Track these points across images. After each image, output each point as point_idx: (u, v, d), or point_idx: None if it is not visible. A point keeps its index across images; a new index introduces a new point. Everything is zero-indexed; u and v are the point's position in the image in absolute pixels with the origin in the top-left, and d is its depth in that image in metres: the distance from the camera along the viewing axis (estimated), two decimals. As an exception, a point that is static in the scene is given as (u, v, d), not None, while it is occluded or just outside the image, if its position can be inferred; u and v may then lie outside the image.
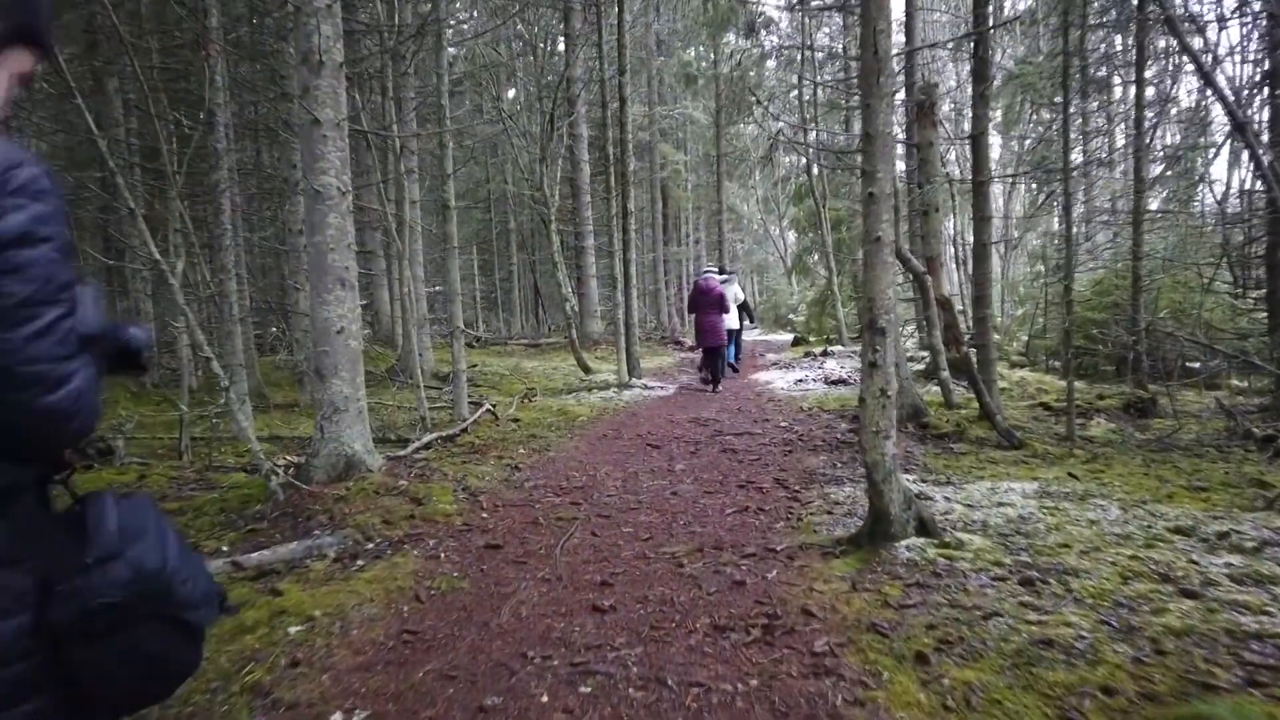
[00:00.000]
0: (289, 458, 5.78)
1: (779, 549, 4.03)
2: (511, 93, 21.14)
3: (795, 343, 18.60)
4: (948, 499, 4.80)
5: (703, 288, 11.93)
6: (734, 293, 13.19)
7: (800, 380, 12.07)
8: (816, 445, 6.87)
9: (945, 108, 16.10)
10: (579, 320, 18.22)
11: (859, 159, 4.37)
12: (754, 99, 15.37)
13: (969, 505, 4.64)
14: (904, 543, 3.80)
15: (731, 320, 12.80)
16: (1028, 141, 16.63)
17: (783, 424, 8.18)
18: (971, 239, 9.95)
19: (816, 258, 20.86)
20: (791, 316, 27.81)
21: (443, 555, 4.06)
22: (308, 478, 5.06)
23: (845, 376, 11.77)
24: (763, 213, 34.78)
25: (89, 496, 1.23)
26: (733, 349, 13.61)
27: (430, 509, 4.69)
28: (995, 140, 17.38)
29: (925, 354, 13.04)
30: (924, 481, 5.36)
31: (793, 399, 10.20)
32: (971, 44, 7.76)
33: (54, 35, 1.31)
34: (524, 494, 5.33)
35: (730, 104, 23.17)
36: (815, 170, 16.63)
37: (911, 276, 9.16)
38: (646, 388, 11.72)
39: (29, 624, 1.08)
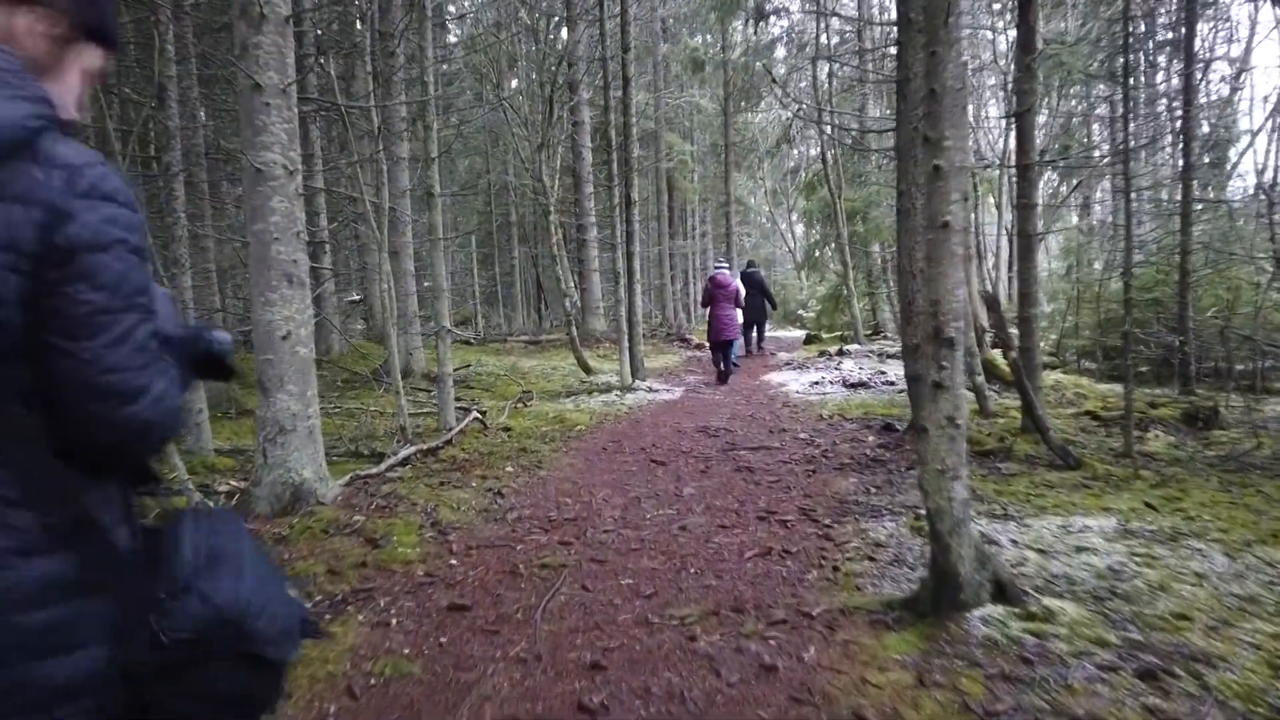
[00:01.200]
0: (233, 482, 4.98)
1: (815, 613, 3.22)
2: (515, 83, 20.31)
3: (808, 340, 17.75)
4: (1014, 542, 3.98)
5: (719, 282, 12.11)
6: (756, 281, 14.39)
7: (816, 383, 11.23)
8: (844, 464, 6.04)
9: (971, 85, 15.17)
10: (580, 317, 17.41)
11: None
12: (771, 79, 14.43)
13: (1042, 551, 3.82)
14: (978, 613, 2.98)
15: (752, 310, 14.09)
16: (1060, 121, 15.74)
17: (802, 435, 7.36)
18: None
19: (831, 251, 19.97)
20: (801, 312, 26.95)
21: (394, 621, 3.25)
22: (249, 510, 4.27)
23: (865, 379, 10.93)
24: (771, 205, 33.89)
25: (166, 518, 1.16)
26: (755, 333, 15.58)
27: (388, 553, 3.88)
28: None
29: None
30: (977, 514, 4.54)
31: (810, 404, 9.37)
32: (1016, 9, 6.91)
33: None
34: (505, 529, 4.53)
35: (739, 91, 22.28)
36: (830, 159, 15.71)
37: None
38: (651, 390, 10.90)
39: (107, 657, 1.03)
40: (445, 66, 25.42)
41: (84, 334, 1.01)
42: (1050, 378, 10.74)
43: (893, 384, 10.63)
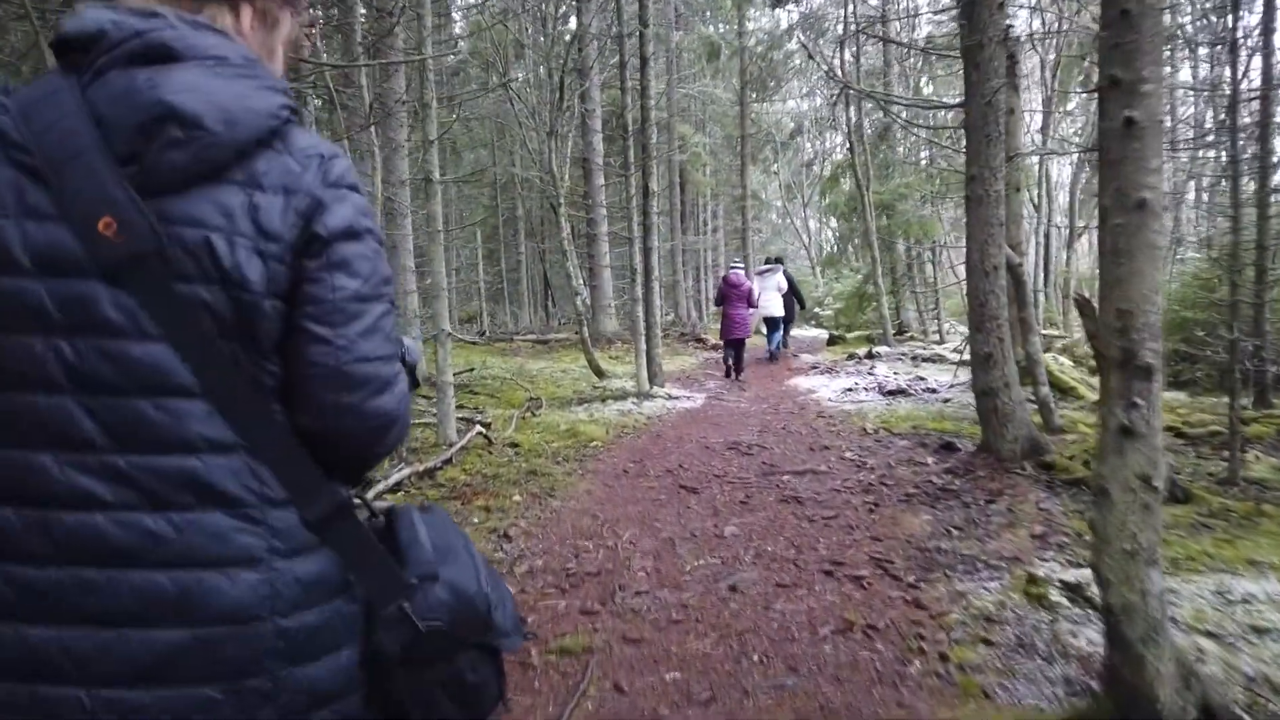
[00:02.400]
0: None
1: (938, 740, 2.35)
2: (521, 75, 19.45)
3: (831, 341, 16.85)
4: (1172, 620, 3.09)
5: (731, 282, 12.36)
6: (778, 282, 13.80)
7: (849, 389, 10.35)
8: (909, 494, 5.17)
9: (1031, 62, 14.22)
10: (591, 316, 16.55)
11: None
12: (808, 54, 13.51)
13: (1214, 636, 2.94)
14: (1187, 757, 2.10)
15: (775, 307, 13.71)
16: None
17: (849, 455, 6.48)
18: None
19: (854, 246, 19.05)
20: (818, 310, 26.03)
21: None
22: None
23: (904, 385, 10.03)
24: (785, 199, 32.95)
25: (394, 510, 1.13)
26: (779, 334, 14.45)
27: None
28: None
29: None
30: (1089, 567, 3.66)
31: (847, 415, 8.49)
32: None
33: None
34: (513, 588, 3.66)
35: (756, 80, 21.36)
36: (858, 148, 14.77)
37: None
38: (670, 398, 10.03)
39: (359, 654, 1.01)
40: (450, 59, 24.59)
41: (341, 320, 0.99)
42: (1107, 385, 9.85)
43: (934, 391, 9.74)
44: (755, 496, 5.30)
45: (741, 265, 14.47)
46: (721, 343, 13.22)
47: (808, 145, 33.64)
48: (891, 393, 9.76)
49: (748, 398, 10.46)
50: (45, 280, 0.91)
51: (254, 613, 0.93)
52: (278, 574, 0.95)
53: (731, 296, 12.15)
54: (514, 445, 6.94)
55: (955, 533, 4.35)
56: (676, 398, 10.12)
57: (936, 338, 16.34)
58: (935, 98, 11.87)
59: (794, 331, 17.64)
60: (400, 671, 1.04)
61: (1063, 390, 9.06)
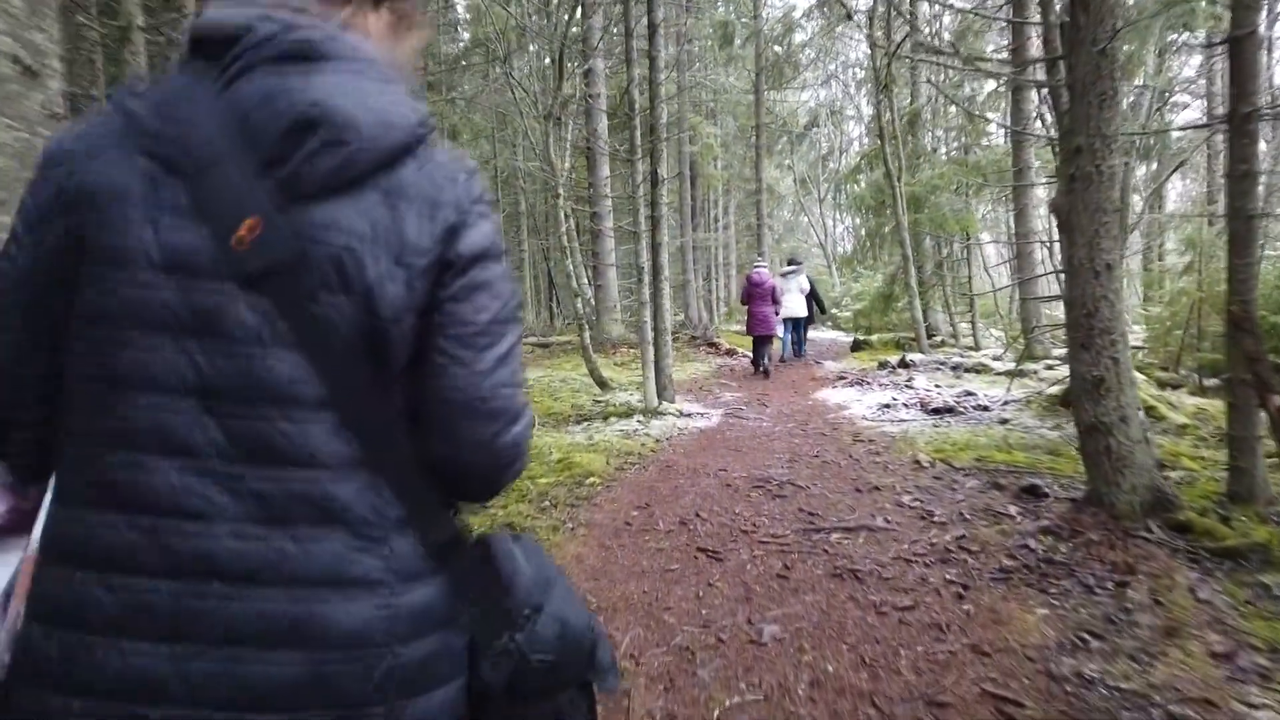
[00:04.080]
0: None
1: None
2: (522, 62, 18.16)
3: (855, 347, 15.52)
4: None
5: (755, 280, 12.77)
6: (800, 283, 13.92)
7: (886, 406, 9.05)
8: (1005, 567, 3.88)
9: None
10: (594, 318, 15.30)
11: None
12: (846, 13, 12.20)
13: None
14: None
15: (799, 308, 13.86)
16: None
17: (907, 500, 5.19)
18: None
19: (881, 243, 17.71)
20: (835, 311, 24.71)
21: None
22: None
23: (951, 402, 8.73)
24: (800, 195, 31.60)
25: (488, 538, 1.04)
26: (796, 334, 14.59)
27: None
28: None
29: (1040, 372, 9.99)
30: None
31: (891, 441, 7.20)
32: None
33: None
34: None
35: (772, 67, 20.05)
36: (888, 133, 13.43)
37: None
38: (682, 415, 8.76)
39: (464, 687, 0.98)
40: (454, 47, 23.38)
41: (482, 345, 0.95)
42: (1188, 402, 8.52)
43: (986, 409, 8.44)
44: (797, 567, 4.03)
45: (765, 264, 13.94)
46: (733, 348, 14.44)
47: (824, 138, 32.32)
48: (937, 411, 8.46)
49: (770, 414, 9.18)
50: (178, 279, 0.86)
51: (374, 640, 0.89)
52: (396, 600, 0.91)
53: (755, 295, 12.62)
54: (493, 482, 5.68)
55: (1093, 642, 3.07)
56: (689, 415, 8.85)
57: (970, 342, 15.02)
58: (987, 57, 10.66)
59: (812, 334, 17.23)
60: (503, 707, 0.99)
61: (1155, 417, 7.76)
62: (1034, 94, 10.36)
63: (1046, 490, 5.06)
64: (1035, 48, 9.79)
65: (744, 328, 13.55)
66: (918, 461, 6.24)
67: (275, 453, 0.87)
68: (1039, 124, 10.58)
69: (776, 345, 13.95)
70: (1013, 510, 4.82)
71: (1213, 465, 5.46)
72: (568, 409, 9.33)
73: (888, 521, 4.73)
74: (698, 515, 5.00)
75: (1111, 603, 3.42)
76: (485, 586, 0.98)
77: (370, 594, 0.89)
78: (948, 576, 3.81)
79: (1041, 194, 12.33)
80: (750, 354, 14.20)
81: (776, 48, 20.07)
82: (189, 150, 0.87)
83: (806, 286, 14.14)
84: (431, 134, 0.97)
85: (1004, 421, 7.70)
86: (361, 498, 0.90)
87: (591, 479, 5.90)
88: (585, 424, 8.38)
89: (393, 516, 0.91)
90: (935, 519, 4.74)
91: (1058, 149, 5.41)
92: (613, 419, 8.52)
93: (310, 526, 0.87)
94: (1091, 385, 4.37)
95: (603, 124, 15.85)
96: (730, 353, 15.56)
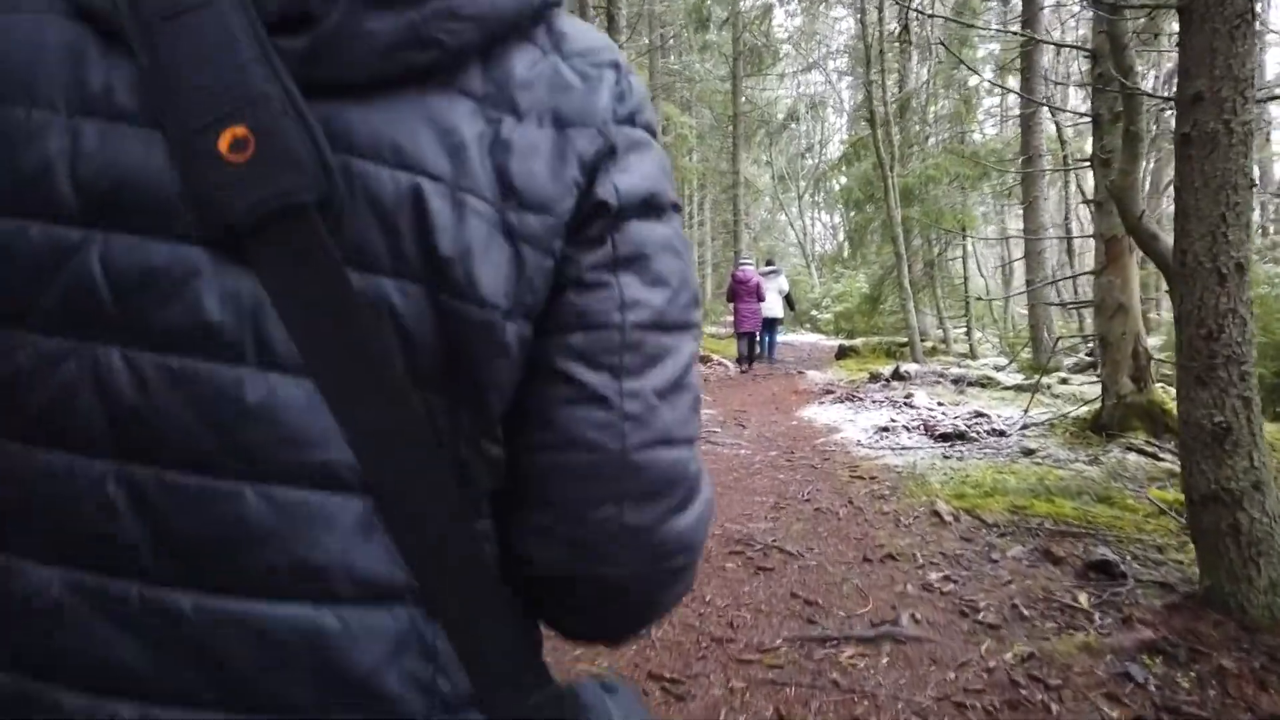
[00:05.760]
0: None
1: None
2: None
3: (841, 354, 14.25)
4: None
5: (740, 278, 12.95)
6: (779, 284, 14.05)
7: (884, 429, 7.75)
8: (1111, 726, 2.57)
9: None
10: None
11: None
12: None
13: None
14: None
15: (776, 308, 13.79)
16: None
17: (934, 577, 3.87)
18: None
19: (872, 236, 16.46)
20: (815, 313, 23.51)
21: None
22: None
23: (960, 426, 7.44)
24: (779, 192, 30.37)
25: (574, 691, 0.58)
26: (770, 337, 14.51)
27: None
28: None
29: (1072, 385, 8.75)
30: None
31: (898, 480, 5.89)
32: None
33: None
34: None
35: (750, 52, 18.75)
36: (880, 117, 12.12)
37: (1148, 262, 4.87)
38: (645, 440, 7.40)
39: None
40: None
41: (633, 365, 0.54)
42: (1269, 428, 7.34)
43: (1002, 435, 7.17)
44: (796, 713, 2.69)
45: (750, 261, 14.05)
46: (706, 354, 13.88)
47: (804, 134, 31.10)
48: (946, 437, 7.18)
49: (749, 438, 7.85)
50: (100, 233, 0.47)
51: None
52: None
53: (740, 292, 12.84)
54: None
55: None
56: (654, 440, 7.48)
57: (964, 349, 13.82)
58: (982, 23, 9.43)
59: (790, 337, 17.33)
60: None
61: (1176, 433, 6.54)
62: (1048, 62, 9.15)
63: (1123, 568, 3.76)
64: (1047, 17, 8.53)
65: (720, 330, 14.08)
66: (937, 513, 4.93)
67: (248, 568, 0.48)
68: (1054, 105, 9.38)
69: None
70: (1084, 601, 3.52)
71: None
72: (512, 431, 7.95)
73: (916, 621, 3.40)
74: (654, 606, 3.64)
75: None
76: None
77: None
78: (1026, 741, 2.48)
79: (1048, 188, 11.15)
80: (726, 360, 13.98)
81: (754, 32, 18.77)
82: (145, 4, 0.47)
83: (785, 287, 14.39)
84: (561, 5, 0.57)
85: (1029, 453, 6.42)
86: (395, 656, 0.50)
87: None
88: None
89: (449, 692, 0.52)
90: (981, 618, 3.41)
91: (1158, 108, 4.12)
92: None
93: (291, 711, 0.48)
94: (1212, 438, 3.06)
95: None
96: (704, 359, 14.23)
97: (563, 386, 0.55)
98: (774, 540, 4.53)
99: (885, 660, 3.06)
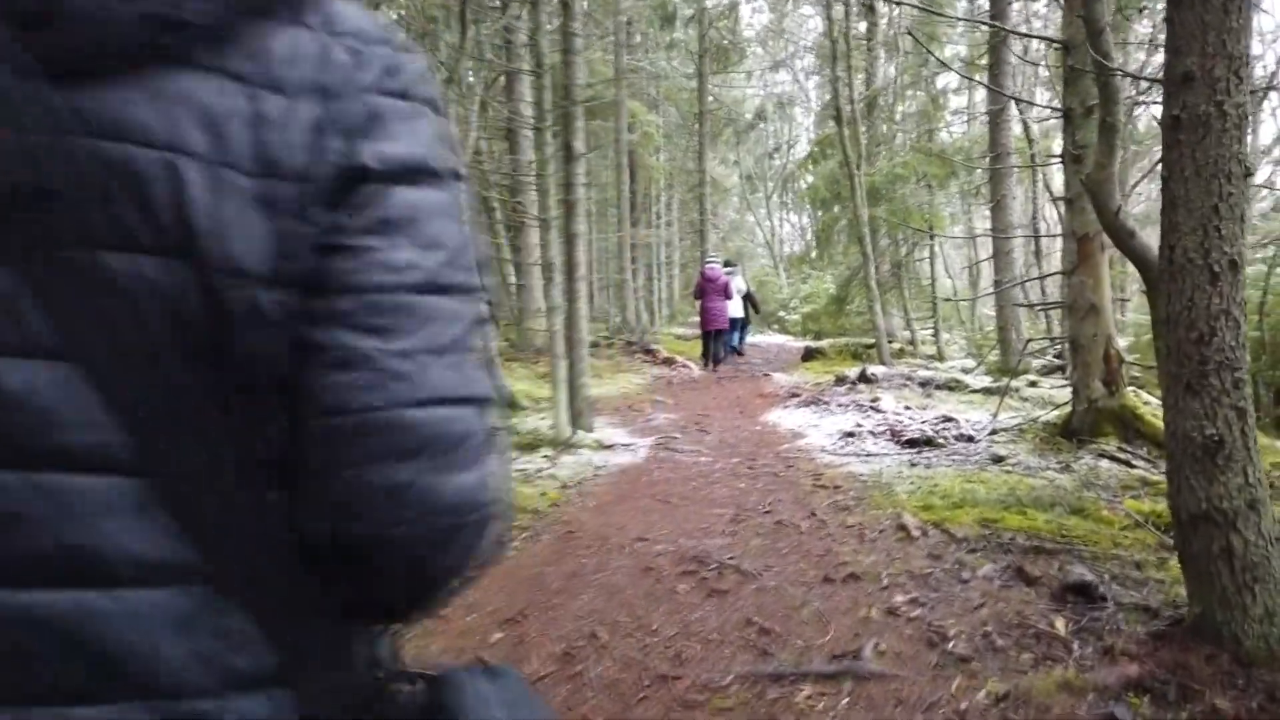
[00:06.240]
0: None
1: None
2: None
3: (807, 356, 13.99)
4: None
5: (708, 276, 13.18)
6: (738, 284, 14.15)
7: (850, 434, 7.47)
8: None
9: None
10: (518, 321, 13.56)
11: None
12: None
13: None
14: None
15: (736, 309, 13.85)
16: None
17: (900, 600, 3.57)
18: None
19: (839, 236, 16.24)
20: (782, 314, 23.32)
21: None
22: None
23: (928, 431, 7.18)
24: (747, 192, 30.16)
25: (445, 677, 0.62)
26: (737, 335, 14.79)
27: None
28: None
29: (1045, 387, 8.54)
30: None
31: (864, 489, 5.61)
32: None
33: None
34: None
35: (717, 49, 18.48)
36: (847, 115, 11.85)
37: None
38: (601, 447, 7.06)
39: None
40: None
41: (398, 324, 0.55)
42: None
43: (971, 440, 6.93)
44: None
45: (717, 260, 14.30)
46: (671, 356, 14.06)
47: (771, 135, 30.90)
48: (913, 443, 6.91)
49: (710, 444, 7.54)
50: None
51: None
52: None
53: (708, 290, 12.99)
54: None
55: None
56: (610, 446, 7.15)
57: (932, 351, 13.63)
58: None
59: (758, 338, 17.73)
60: None
61: (1157, 444, 6.33)
62: (1015, 60, 8.93)
63: (1102, 590, 3.48)
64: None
65: (686, 331, 14.60)
66: (903, 527, 4.63)
67: (10, 558, 0.48)
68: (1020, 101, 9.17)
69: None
70: (1062, 628, 3.23)
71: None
72: (462, 437, 7.55)
73: (881, 653, 3.08)
74: (593, 637, 3.29)
75: None
76: None
77: None
78: (1006, 805, 2.17)
79: (1015, 186, 10.99)
80: (690, 363, 13.82)
81: (720, 29, 18.48)
82: None
83: (743, 288, 14.54)
84: None
85: (998, 460, 6.18)
86: (187, 636, 0.51)
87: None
88: (478, 460, 6.62)
89: (246, 666, 0.52)
90: (951, 648, 3.10)
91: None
92: (513, 453, 6.77)
93: (79, 700, 0.48)
94: (1203, 451, 2.78)
95: (526, 104, 14.02)
96: (669, 361, 13.90)
97: (330, 351, 0.54)
98: (730, 558, 4.21)
99: (846, 700, 2.74)
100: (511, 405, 8.93)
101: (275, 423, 0.55)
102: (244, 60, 0.53)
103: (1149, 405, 6.75)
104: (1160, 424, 6.46)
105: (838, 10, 12.14)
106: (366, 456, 0.54)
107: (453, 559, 0.59)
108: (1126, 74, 3.63)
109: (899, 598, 3.62)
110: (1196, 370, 2.77)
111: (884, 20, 15.61)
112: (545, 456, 6.59)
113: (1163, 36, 3.08)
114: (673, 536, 4.63)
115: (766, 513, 5.15)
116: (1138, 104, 7.43)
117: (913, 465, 6.24)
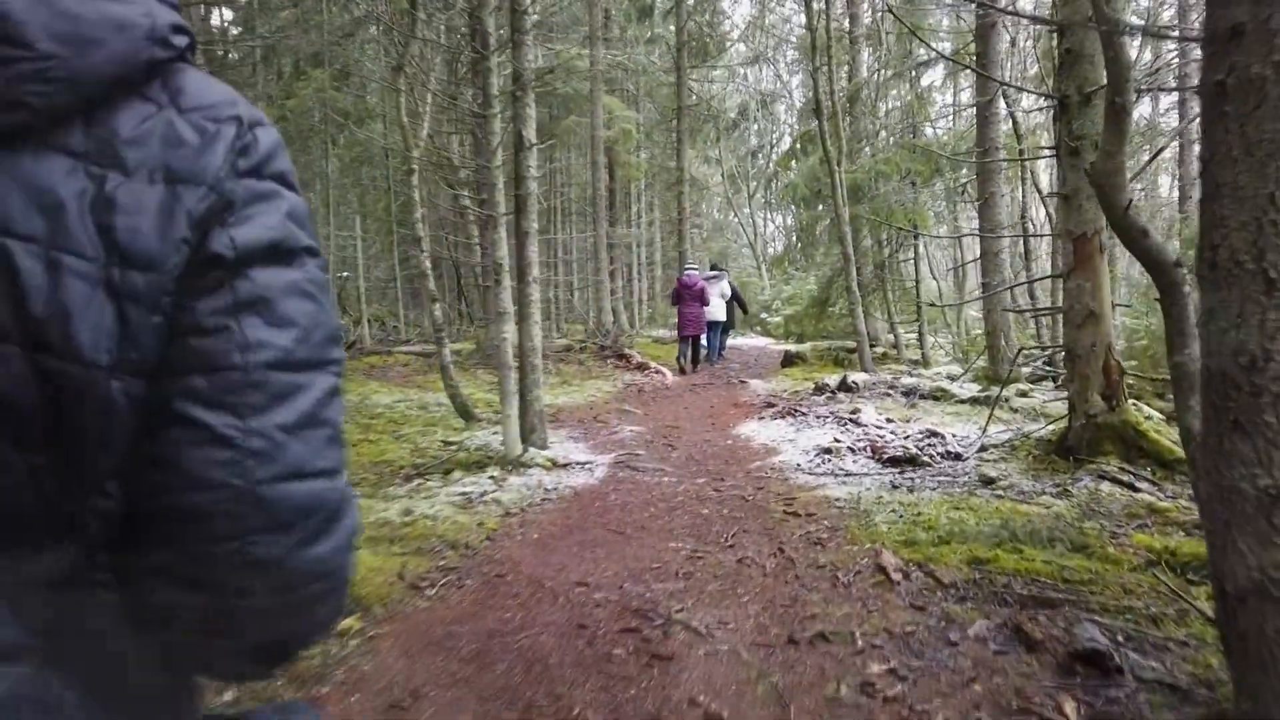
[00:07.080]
0: None
1: None
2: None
3: (787, 361, 13.38)
4: None
5: (685, 283, 13.26)
6: (722, 289, 13.96)
7: (827, 452, 6.88)
8: None
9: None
10: (488, 324, 12.91)
11: None
12: None
13: None
14: None
15: (718, 312, 13.86)
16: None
17: (876, 671, 2.97)
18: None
19: (816, 238, 15.67)
20: (765, 316, 22.76)
21: None
22: None
23: (912, 448, 6.60)
24: (730, 191, 29.58)
25: (242, 715, 0.70)
26: (719, 340, 14.71)
27: None
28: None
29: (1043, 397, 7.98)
30: None
31: (839, 516, 5.02)
32: None
33: None
34: None
35: (696, 43, 17.88)
36: (828, 110, 11.26)
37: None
38: (554, 466, 6.44)
39: None
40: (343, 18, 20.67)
41: (256, 403, 0.58)
42: None
43: (958, 458, 6.37)
44: None
45: (696, 267, 14.78)
46: (645, 361, 13.82)
47: (754, 133, 30.35)
48: (895, 461, 6.33)
49: (676, 460, 6.94)
50: None
51: None
52: None
53: (685, 296, 13.02)
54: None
55: None
56: (565, 465, 6.52)
57: (916, 356, 13.08)
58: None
59: (739, 341, 17.58)
60: None
61: (1162, 464, 5.78)
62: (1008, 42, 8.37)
63: (1117, 660, 2.89)
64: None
65: (665, 334, 14.40)
66: (882, 568, 4.03)
67: None
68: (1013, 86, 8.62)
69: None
70: (1071, 713, 2.64)
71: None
72: (405, 454, 6.91)
73: (852, 751, 2.48)
74: (498, 726, 2.67)
75: None
76: None
77: None
78: None
79: (1004, 185, 10.45)
80: (664, 369, 13.39)
81: (699, 21, 17.90)
82: None
83: (728, 292, 14.30)
84: (184, 57, 0.60)
85: (989, 482, 5.60)
86: (14, 716, 0.51)
87: (348, 622, 3.49)
88: (417, 482, 5.99)
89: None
90: (940, 746, 2.50)
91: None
92: (458, 473, 6.15)
93: None
94: (1256, 508, 2.19)
95: (495, 87, 13.38)
96: (642, 367, 13.28)
97: (186, 429, 0.56)
98: (680, 610, 3.60)
99: (803, 832, 2.13)
100: (466, 415, 8.31)
101: (115, 501, 0.55)
102: (87, 140, 0.54)
103: (1151, 420, 6.20)
104: (1165, 441, 5.91)
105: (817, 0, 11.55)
106: (224, 532, 0.56)
107: (318, 622, 0.63)
108: (1154, 33, 3.04)
109: (875, 667, 3.02)
110: (1248, 404, 2.18)
111: (865, 10, 15.07)
112: (491, 478, 5.96)
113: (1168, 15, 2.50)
114: (618, 580, 4.02)
115: (729, 547, 4.56)
116: (1138, 91, 6.87)
117: (894, 488, 5.66)
